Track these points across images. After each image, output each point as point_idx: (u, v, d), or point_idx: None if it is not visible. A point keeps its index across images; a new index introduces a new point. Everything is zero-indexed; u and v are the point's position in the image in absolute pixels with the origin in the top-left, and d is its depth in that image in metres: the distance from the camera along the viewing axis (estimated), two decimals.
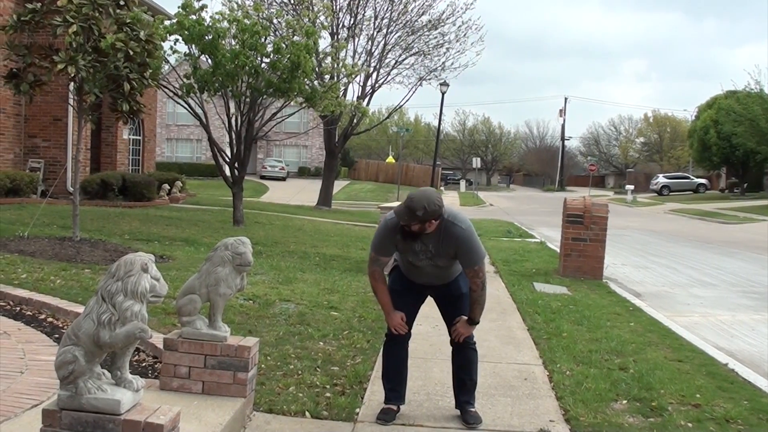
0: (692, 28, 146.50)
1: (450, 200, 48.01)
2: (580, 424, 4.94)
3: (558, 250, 13.45)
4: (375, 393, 5.26)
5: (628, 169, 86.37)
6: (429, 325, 7.37)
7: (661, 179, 63.12)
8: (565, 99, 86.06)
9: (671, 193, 59.63)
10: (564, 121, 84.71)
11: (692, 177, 64.62)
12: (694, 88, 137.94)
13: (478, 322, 4.92)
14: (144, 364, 5.54)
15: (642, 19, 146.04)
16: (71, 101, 12.78)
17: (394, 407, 4.96)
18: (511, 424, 4.92)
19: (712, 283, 13.28)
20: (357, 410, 4.97)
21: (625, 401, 5.42)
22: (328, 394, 5.20)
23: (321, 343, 6.54)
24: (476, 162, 57.82)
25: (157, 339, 5.45)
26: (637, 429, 4.91)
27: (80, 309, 6.39)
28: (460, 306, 4.97)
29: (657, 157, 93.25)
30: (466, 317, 4.92)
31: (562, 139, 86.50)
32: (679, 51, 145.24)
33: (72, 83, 11.71)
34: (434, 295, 5.07)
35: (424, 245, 4.73)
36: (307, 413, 4.83)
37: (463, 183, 70.64)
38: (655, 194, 60.14)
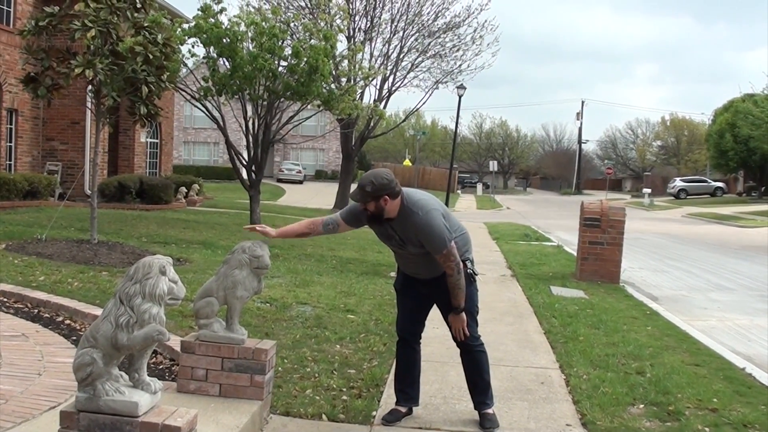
0: (703, 32, 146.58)
1: (467, 203, 47.97)
2: (597, 428, 4.92)
3: (575, 254, 13.40)
4: (391, 396, 5.26)
5: (645, 172, 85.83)
6: (446, 328, 7.35)
7: (678, 183, 62.69)
8: (582, 102, 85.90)
9: (688, 197, 59.23)
10: (581, 124, 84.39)
11: (709, 180, 64.11)
12: (707, 91, 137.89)
13: (462, 309, 4.77)
14: (161, 367, 5.57)
15: (652, 24, 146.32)
16: (89, 104, 12.88)
17: (403, 409, 4.96)
18: (528, 428, 4.90)
19: (730, 287, 13.17)
20: (374, 413, 4.97)
21: (642, 405, 5.39)
22: (344, 397, 5.21)
23: (338, 346, 6.55)
24: (493, 165, 57.62)
25: (175, 341, 5.48)
26: None
27: (98, 311, 6.44)
28: None
29: (674, 161, 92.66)
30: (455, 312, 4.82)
31: (579, 142, 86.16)
32: (690, 54, 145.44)
33: (90, 86, 11.81)
34: (434, 295, 4.96)
35: (393, 231, 4.71)
36: (323, 416, 4.83)
37: (480, 186, 70.49)
38: (673, 198, 59.76)
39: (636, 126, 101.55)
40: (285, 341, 6.47)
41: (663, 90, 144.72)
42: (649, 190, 55.55)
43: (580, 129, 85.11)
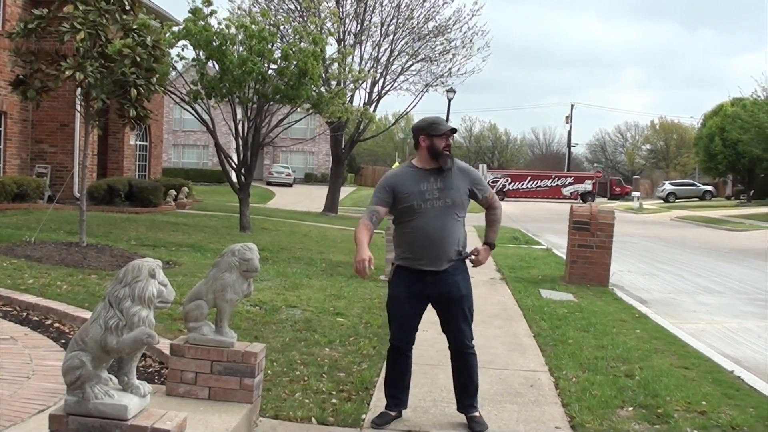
0: (688, 38, 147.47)
1: None
2: (586, 431, 4.93)
3: (564, 257, 13.43)
4: (381, 399, 5.26)
5: (634, 176, 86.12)
6: (435, 331, 7.36)
7: (667, 186, 63.00)
8: (572, 106, 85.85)
9: (677, 200, 59.52)
10: (570, 127, 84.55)
11: (698, 184, 64.44)
12: (693, 96, 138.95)
13: (493, 245, 5.29)
14: (150, 370, 5.55)
15: (638, 30, 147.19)
16: (78, 107, 12.85)
17: (393, 412, 4.96)
18: (518, 431, 4.92)
19: (719, 290, 13.24)
20: (363, 416, 4.97)
21: (631, 408, 5.42)
22: (334, 400, 5.21)
23: (327, 349, 6.55)
24: (483, 168, 57.70)
25: (164, 345, 5.47)
26: None
27: (87, 314, 6.42)
28: (458, 311, 4.91)
29: (663, 164, 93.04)
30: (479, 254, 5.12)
31: (569, 145, 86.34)
32: (676, 60, 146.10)
33: (79, 89, 11.77)
34: (435, 297, 4.93)
35: (430, 184, 4.82)
36: (313, 419, 4.83)
37: None
38: (662, 201, 60.03)
39: (625, 130, 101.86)
40: (274, 344, 6.47)
41: (650, 95, 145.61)
42: (638, 194, 55.77)
43: (569, 132, 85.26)
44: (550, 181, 63.02)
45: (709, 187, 63.22)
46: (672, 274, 15.28)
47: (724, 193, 62.99)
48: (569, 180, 63.07)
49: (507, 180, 62.76)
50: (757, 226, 33.76)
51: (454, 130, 4.94)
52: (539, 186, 62.55)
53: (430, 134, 4.82)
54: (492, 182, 56.78)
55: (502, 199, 28.59)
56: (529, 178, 63.88)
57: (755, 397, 5.92)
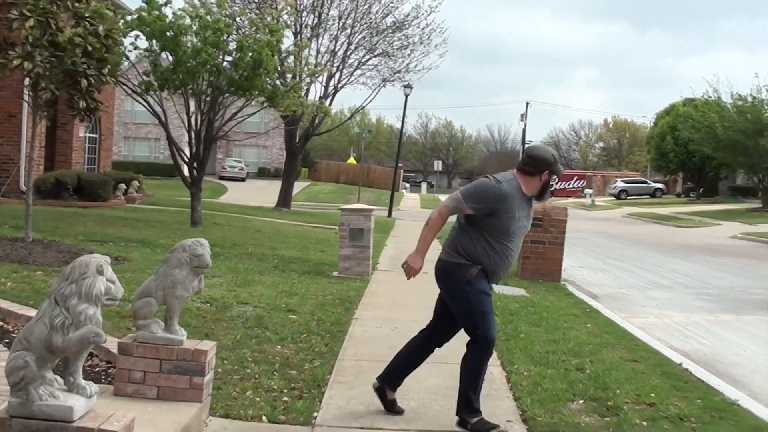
0: (639, 38, 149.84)
1: (411, 202, 48.21)
2: (537, 424, 4.98)
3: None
4: (333, 397, 5.24)
5: (588, 173, 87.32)
6: (389, 327, 7.36)
7: (619, 183, 63.92)
8: (527, 104, 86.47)
9: (629, 197, 60.47)
10: (525, 125, 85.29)
11: (649, 181, 65.55)
12: (644, 95, 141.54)
13: None
14: (97, 370, 5.44)
15: (591, 29, 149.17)
16: (26, 97, 12.54)
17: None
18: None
19: (668, 285, 13.49)
20: (315, 414, 4.93)
21: (581, 401, 5.48)
22: (285, 399, 5.15)
23: (279, 347, 6.49)
24: (438, 165, 58.03)
25: (112, 343, 5.34)
26: (593, 428, 4.96)
27: (32, 313, 6.25)
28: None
29: (616, 162, 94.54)
30: None
31: (523, 143, 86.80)
32: (628, 60, 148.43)
33: (27, 79, 11.48)
34: None
35: (525, 211, 4.98)
36: (264, 418, 4.78)
37: (424, 185, 70.80)
38: (614, 198, 60.94)
39: (579, 128, 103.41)
40: (225, 342, 6.39)
41: (602, 93, 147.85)
42: (591, 191, 56.55)
43: (524, 130, 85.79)
44: None
45: (660, 185, 64.35)
46: (622, 270, 15.52)
47: (675, 191, 64.16)
48: None
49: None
50: (706, 223, 34.52)
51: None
52: None
53: (554, 172, 4.94)
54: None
55: None
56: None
57: (702, 389, 6.05)
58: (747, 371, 7.31)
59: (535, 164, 4.91)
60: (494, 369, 6.30)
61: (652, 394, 5.70)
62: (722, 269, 16.67)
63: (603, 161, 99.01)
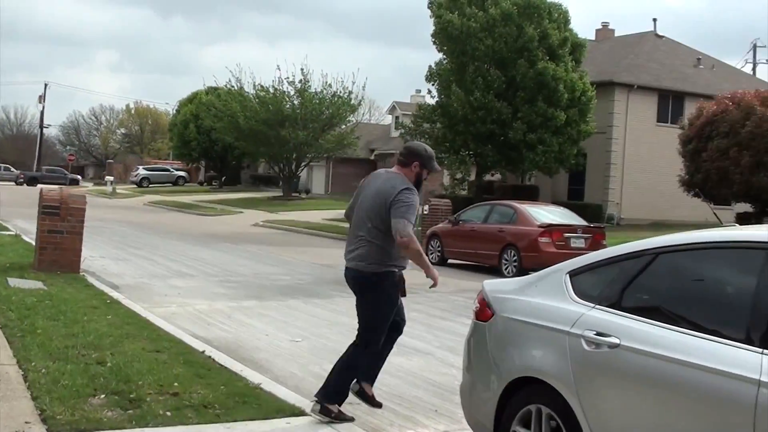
0: (162, 24, 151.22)
1: None
2: (58, 423, 4.77)
3: (34, 243, 12.70)
4: None
5: (108, 160, 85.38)
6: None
7: (141, 171, 63.73)
8: (45, 85, 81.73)
9: (151, 185, 60.61)
10: (43, 108, 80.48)
11: (172, 169, 66.44)
12: (168, 82, 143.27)
13: None
14: None
15: (114, 12, 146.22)
16: None
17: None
18: None
19: (191, 273, 13.89)
20: None
21: (103, 396, 5.37)
22: None
23: None
24: None
25: None
26: (116, 422, 4.90)
27: None
28: None
29: (138, 149, 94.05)
30: None
31: (41, 126, 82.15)
32: (151, 46, 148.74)
33: None
34: None
35: None
36: None
37: None
38: (136, 186, 60.56)
39: (100, 113, 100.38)
40: None
41: (125, 78, 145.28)
42: (111, 178, 55.42)
43: (42, 113, 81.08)
44: None
45: (183, 173, 65.68)
46: (145, 259, 15.55)
47: (197, 179, 66.02)
48: None
49: None
50: (228, 211, 36.28)
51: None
52: None
53: (425, 165, 5.34)
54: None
55: None
56: None
57: (226, 375, 6.30)
58: (269, 355, 7.76)
59: (408, 155, 5.37)
60: (10, 368, 5.91)
61: (176, 384, 5.77)
62: (245, 256, 17.60)
63: (125, 148, 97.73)
